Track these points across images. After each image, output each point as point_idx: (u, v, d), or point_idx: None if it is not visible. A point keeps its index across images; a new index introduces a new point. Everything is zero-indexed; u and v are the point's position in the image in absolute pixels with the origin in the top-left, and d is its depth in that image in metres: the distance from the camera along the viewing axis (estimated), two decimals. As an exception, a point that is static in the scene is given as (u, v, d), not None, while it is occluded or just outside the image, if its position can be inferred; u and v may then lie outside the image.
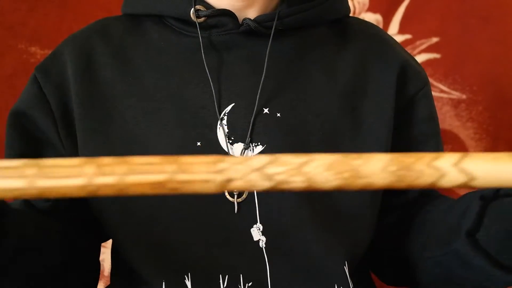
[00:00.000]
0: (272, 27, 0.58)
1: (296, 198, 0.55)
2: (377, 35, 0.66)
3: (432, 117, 0.65)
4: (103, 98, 0.58)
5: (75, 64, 0.59)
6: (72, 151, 0.58)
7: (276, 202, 0.54)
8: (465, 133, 1.12)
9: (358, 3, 1.17)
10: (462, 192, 0.76)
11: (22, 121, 0.59)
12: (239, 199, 0.54)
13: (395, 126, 0.61)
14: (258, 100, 0.56)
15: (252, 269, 0.53)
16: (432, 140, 0.64)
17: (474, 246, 0.46)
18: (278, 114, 0.57)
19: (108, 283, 0.64)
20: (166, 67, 0.59)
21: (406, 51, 0.67)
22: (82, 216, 0.60)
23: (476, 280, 0.49)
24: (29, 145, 0.60)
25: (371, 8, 1.17)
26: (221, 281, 0.53)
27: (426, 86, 0.65)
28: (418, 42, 1.15)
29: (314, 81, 0.59)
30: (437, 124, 0.66)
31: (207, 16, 0.58)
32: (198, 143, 0.55)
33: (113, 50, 0.60)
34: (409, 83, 0.63)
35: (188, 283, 0.53)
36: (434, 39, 1.14)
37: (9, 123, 0.60)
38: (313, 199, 0.55)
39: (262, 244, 0.54)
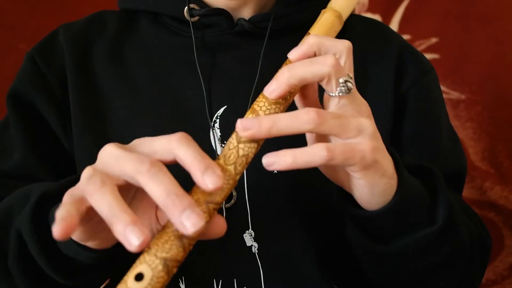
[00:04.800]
0: (267, 28, 0.57)
1: (288, 206, 0.55)
2: (377, 32, 0.64)
3: (426, 113, 0.61)
4: (96, 97, 0.58)
5: (72, 55, 0.59)
6: (68, 141, 0.58)
7: (267, 209, 0.54)
8: (464, 133, 1.12)
9: (358, 3, 1.17)
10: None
11: (25, 100, 0.58)
12: (227, 205, 0.53)
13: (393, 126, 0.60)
14: (251, 103, 0.55)
15: (245, 274, 0.53)
16: (423, 139, 0.60)
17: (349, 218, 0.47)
18: None
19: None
20: (159, 66, 0.58)
21: (406, 43, 0.64)
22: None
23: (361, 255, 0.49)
24: (34, 124, 0.58)
25: (371, 8, 1.17)
26: (215, 285, 0.53)
27: (424, 78, 0.61)
28: (417, 42, 1.15)
29: None
30: (433, 121, 0.61)
31: (201, 16, 0.58)
32: None
33: (108, 46, 0.60)
34: (403, 80, 0.61)
35: (182, 286, 0.53)
36: (434, 40, 1.14)
37: (11, 104, 0.58)
38: (305, 206, 0.55)
39: (254, 250, 0.54)
